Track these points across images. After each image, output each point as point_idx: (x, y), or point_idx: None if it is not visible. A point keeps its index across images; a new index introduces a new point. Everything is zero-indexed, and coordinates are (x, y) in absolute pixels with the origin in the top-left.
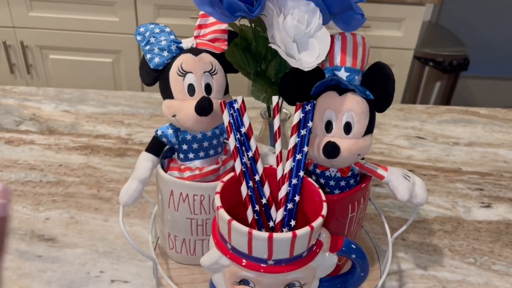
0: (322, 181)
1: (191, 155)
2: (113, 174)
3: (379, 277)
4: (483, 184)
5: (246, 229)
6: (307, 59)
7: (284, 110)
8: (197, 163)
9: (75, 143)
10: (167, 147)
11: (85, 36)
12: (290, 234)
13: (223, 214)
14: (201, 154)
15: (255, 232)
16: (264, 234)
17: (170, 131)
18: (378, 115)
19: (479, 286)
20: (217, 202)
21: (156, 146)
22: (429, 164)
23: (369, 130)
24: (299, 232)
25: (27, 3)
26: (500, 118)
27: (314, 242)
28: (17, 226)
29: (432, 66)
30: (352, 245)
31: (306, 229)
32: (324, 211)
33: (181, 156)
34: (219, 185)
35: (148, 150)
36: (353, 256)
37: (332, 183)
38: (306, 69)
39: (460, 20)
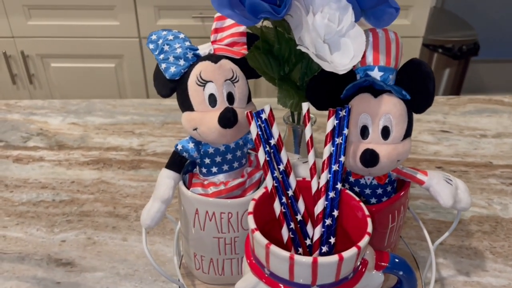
0: (357, 189)
1: (214, 169)
2: (128, 188)
3: (419, 286)
4: None
5: (287, 254)
6: (341, 61)
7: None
8: (221, 177)
9: (86, 157)
10: (188, 161)
11: (86, 42)
12: (336, 257)
13: (260, 238)
14: (225, 167)
15: (297, 257)
16: (308, 259)
17: (191, 145)
18: None
19: None
20: (251, 224)
21: (177, 162)
22: (457, 160)
23: (408, 133)
24: (345, 254)
25: (25, 12)
26: None
27: (359, 262)
28: (33, 251)
29: (441, 52)
30: (397, 260)
31: (353, 250)
32: (369, 228)
33: (204, 170)
34: (251, 204)
35: (169, 166)
36: (400, 273)
37: (368, 191)
38: (341, 72)
39: (466, 3)
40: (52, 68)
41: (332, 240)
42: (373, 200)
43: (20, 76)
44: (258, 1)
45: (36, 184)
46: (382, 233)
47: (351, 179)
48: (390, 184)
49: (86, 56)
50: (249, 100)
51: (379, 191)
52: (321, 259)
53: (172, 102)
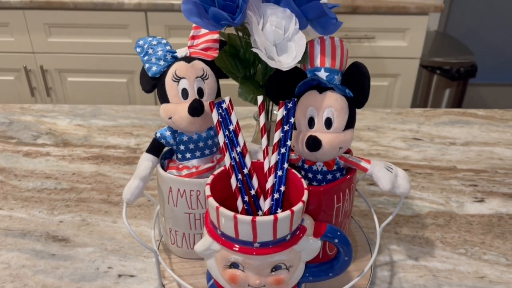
0: (310, 175)
1: (188, 155)
2: (122, 180)
3: (370, 266)
4: (477, 180)
5: (232, 213)
6: (285, 60)
7: (275, 112)
8: (194, 162)
9: (87, 153)
10: (166, 148)
11: (100, 58)
12: (271, 217)
13: (212, 202)
14: (197, 153)
15: (239, 216)
16: (248, 218)
17: (168, 133)
18: (376, 119)
19: (469, 275)
20: (207, 191)
21: (156, 147)
22: (424, 164)
23: (350, 125)
24: (280, 215)
25: (46, 30)
26: (497, 118)
27: (297, 227)
28: (33, 228)
29: (440, 74)
30: (335, 231)
31: (287, 212)
32: (304, 197)
33: (179, 156)
34: (209, 178)
35: (148, 151)
36: (336, 241)
37: (319, 176)
38: (284, 69)
39: (467, 29)
40: (68, 82)
41: (279, 211)
42: (324, 185)
43: (39, 89)
44: (218, 10)
45: (41, 174)
46: (329, 214)
47: (305, 166)
48: (339, 171)
49: (100, 71)
50: (218, 95)
51: (329, 176)
52: (258, 218)
53: None
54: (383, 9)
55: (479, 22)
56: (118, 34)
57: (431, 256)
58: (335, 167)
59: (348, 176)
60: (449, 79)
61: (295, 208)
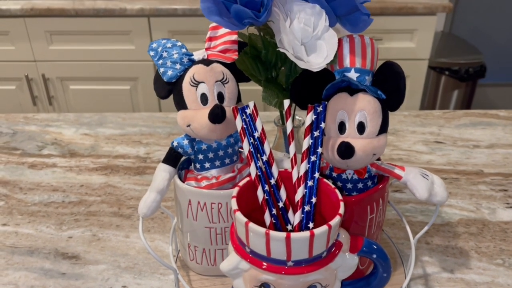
0: (339, 184)
1: (207, 165)
2: (133, 191)
3: (404, 281)
4: (507, 185)
5: (263, 230)
6: (316, 60)
7: (297, 117)
8: (213, 172)
9: (95, 164)
10: (183, 158)
11: (103, 65)
12: (307, 233)
13: (240, 217)
14: (217, 163)
15: (272, 232)
16: (282, 234)
17: (185, 142)
18: (394, 122)
19: (509, 287)
20: (234, 205)
21: (173, 157)
22: (449, 168)
23: (383, 129)
24: (316, 231)
25: (47, 38)
26: None
27: (333, 243)
28: (41, 245)
29: (448, 75)
30: (373, 245)
31: (324, 227)
32: (341, 210)
33: (198, 166)
34: (235, 190)
35: (165, 161)
36: (374, 256)
37: (349, 185)
38: (315, 70)
39: (473, 29)
40: (70, 90)
41: (311, 225)
42: (355, 194)
43: (41, 97)
44: (241, 7)
45: (48, 187)
46: (361, 225)
47: (334, 174)
48: (371, 179)
49: (103, 79)
50: (238, 100)
51: (360, 185)
52: (293, 235)
53: None
54: (391, 10)
55: (485, 21)
56: (121, 41)
57: (467, 268)
58: (366, 175)
59: (381, 185)
60: (458, 80)
61: (332, 223)
